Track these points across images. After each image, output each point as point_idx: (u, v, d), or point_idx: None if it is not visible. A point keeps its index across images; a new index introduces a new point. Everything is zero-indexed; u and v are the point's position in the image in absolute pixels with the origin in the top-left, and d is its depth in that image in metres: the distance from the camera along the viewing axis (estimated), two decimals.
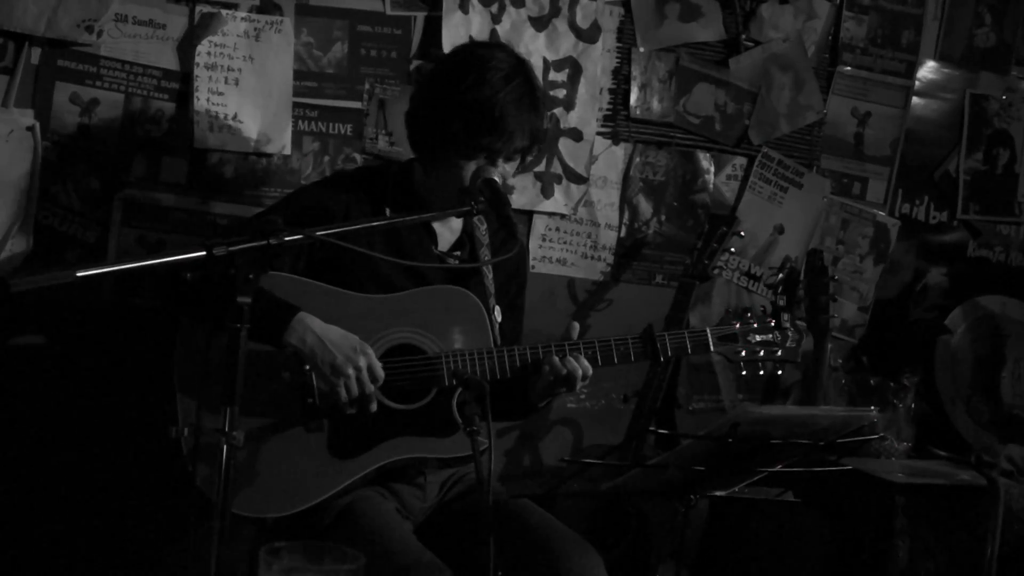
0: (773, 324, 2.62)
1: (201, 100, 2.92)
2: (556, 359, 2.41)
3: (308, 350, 2.28)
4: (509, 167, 2.49)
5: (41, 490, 2.86)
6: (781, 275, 2.88)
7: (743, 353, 2.59)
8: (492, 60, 2.45)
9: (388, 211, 2.53)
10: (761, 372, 2.64)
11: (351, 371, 2.28)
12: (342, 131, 3.09)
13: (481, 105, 2.38)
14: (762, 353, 2.60)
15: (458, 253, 2.62)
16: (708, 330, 2.56)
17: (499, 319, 2.58)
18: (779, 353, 2.61)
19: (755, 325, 2.60)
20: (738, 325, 2.59)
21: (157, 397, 2.40)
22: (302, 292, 2.37)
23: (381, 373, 2.32)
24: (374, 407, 2.34)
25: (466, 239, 2.63)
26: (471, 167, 2.43)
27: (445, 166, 2.46)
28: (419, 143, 2.53)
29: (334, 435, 2.37)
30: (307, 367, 2.32)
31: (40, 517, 2.86)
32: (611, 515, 3.12)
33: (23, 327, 2.83)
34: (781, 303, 2.68)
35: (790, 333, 2.62)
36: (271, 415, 2.34)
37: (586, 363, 2.43)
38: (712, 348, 2.56)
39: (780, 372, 2.78)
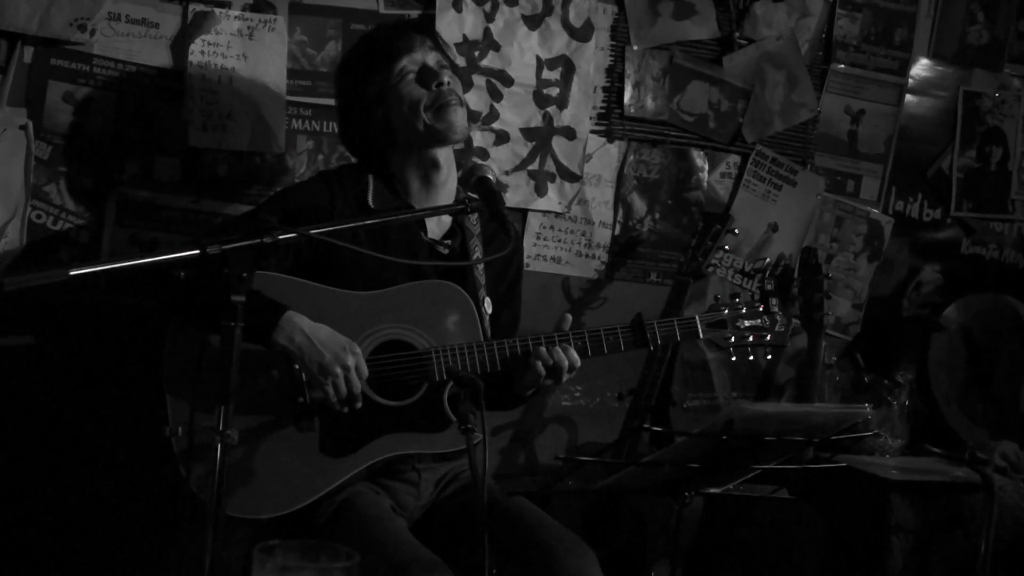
0: (761, 309, 2.61)
1: (195, 99, 2.92)
2: (543, 349, 2.42)
3: (296, 349, 2.28)
4: (433, 57, 2.55)
5: (32, 491, 2.85)
6: (768, 259, 2.88)
7: (732, 339, 2.59)
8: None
9: (371, 196, 2.52)
10: (751, 358, 2.61)
11: (339, 370, 2.28)
12: (336, 130, 3.08)
13: (363, 42, 2.61)
14: (751, 338, 2.59)
15: (448, 242, 2.60)
16: (697, 316, 2.56)
17: (489, 311, 2.57)
18: (768, 337, 2.60)
19: (743, 311, 2.60)
20: (727, 311, 2.59)
21: (151, 397, 2.40)
22: (291, 291, 2.36)
23: (366, 372, 2.33)
24: (359, 404, 2.34)
25: (457, 228, 2.62)
26: (409, 86, 2.50)
27: (395, 108, 2.51)
28: (360, 117, 2.59)
29: (326, 433, 2.36)
30: (297, 366, 2.32)
31: (31, 518, 2.85)
32: (606, 512, 3.12)
33: (15, 326, 2.82)
34: (769, 287, 2.67)
35: (778, 318, 2.61)
36: (262, 415, 2.34)
37: (574, 354, 2.43)
38: (701, 335, 2.56)
39: (769, 356, 2.75)
